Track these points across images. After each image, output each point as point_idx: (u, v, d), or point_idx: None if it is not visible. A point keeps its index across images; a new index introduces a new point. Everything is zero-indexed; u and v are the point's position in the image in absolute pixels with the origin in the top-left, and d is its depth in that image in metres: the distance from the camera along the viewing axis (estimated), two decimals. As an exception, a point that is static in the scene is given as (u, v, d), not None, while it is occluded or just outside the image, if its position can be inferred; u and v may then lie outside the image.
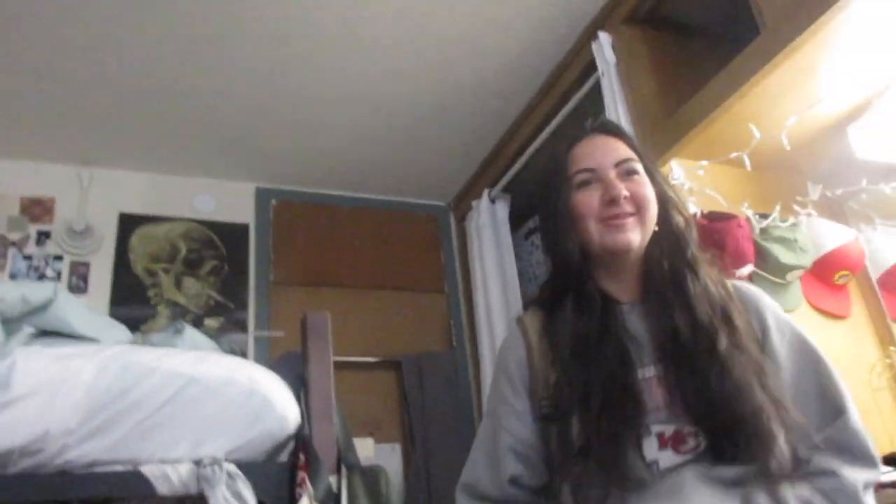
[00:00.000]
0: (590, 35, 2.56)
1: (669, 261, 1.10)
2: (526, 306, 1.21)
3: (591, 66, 2.53)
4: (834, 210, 2.39)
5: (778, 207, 2.22)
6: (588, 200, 1.09)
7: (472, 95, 3.02)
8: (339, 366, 3.11)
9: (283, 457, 1.65)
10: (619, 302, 1.10)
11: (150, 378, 1.45)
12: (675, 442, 0.98)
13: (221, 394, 1.51)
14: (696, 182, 2.22)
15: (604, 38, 2.45)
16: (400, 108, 3.08)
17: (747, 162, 2.08)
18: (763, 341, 1.08)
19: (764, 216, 2.22)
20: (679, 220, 1.13)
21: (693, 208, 2.18)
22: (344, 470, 1.57)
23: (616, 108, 2.34)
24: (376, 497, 1.57)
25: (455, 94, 3.00)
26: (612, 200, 1.07)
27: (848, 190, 2.32)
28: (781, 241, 2.17)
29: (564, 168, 1.14)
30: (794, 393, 1.04)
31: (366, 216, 3.74)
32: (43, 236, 3.06)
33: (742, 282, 1.19)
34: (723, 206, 2.19)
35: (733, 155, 2.11)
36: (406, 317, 3.55)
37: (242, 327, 3.18)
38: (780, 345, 1.08)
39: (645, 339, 1.06)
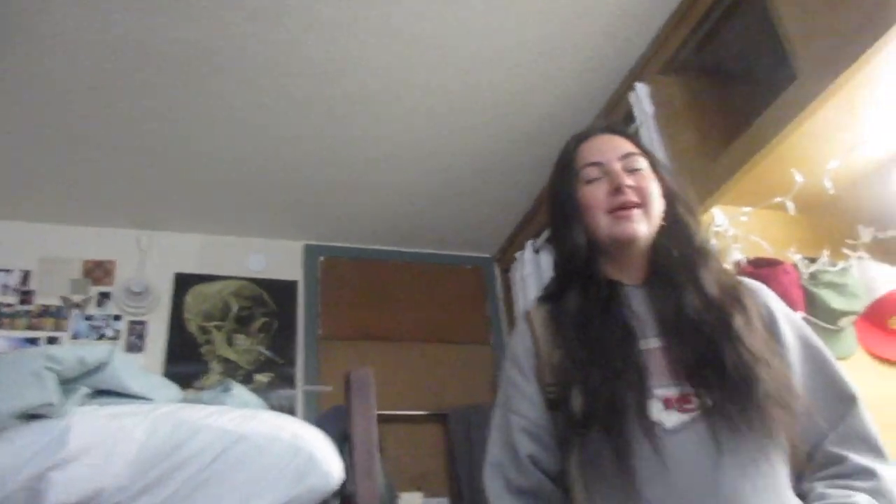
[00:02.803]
0: (627, 86, 2.59)
1: (679, 249, 1.11)
2: (534, 302, 1.22)
3: (630, 117, 2.55)
4: (888, 252, 2.33)
5: (826, 252, 2.18)
6: (595, 193, 1.12)
7: (514, 149, 3.07)
8: (386, 419, 3.15)
9: (329, 514, 1.66)
10: (623, 285, 1.11)
11: (199, 436, 1.49)
12: (679, 403, 0.98)
13: (268, 451, 1.54)
14: (740, 228, 2.20)
15: (641, 88, 2.48)
16: (443, 164, 3.15)
17: (790, 207, 2.05)
18: (773, 329, 1.08)
19: (812, 261, 2.18)
20: (686, 214, 1.15)
21: (738, 255, 2.16)
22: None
23: (655, 157, 2.35)
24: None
25: (497, 148, 3.06)
26: (617, 189, 1.10)
27: (900, 231, 2.26)
28: (832, 285, 2.12)
29: (572, 163, 1.17)
30: (804, 381, 1.05)
31: (411, 270, 3.79)
32: (103, 297, 3.19)
33: (745, 277, 1.19)
34: (768, 251, 2.16)
35: (777, 200, 2.09)
36: (452, 369, 3.55)
37: (291, 382, 3.23)
38: (789, 335, 1.09)
39: (648, 315, 1.07)
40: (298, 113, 2.75)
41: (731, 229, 2.19)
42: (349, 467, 1.66)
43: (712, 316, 1.02)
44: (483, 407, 3.35)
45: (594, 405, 0.98)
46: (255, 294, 3.41)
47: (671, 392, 0.99)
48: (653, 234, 1.12)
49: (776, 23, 1.98)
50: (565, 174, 1.18)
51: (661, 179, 1.17)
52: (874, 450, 1.02)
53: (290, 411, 3.13)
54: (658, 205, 1.13)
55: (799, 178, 2.00)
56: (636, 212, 1.10)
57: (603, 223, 1.10)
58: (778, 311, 1.12)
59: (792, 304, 2.02)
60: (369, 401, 1.78)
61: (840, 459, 1.00)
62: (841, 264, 2.19)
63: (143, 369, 1.78)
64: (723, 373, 0.97)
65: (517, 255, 3.49)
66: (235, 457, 1.51)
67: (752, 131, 2.03)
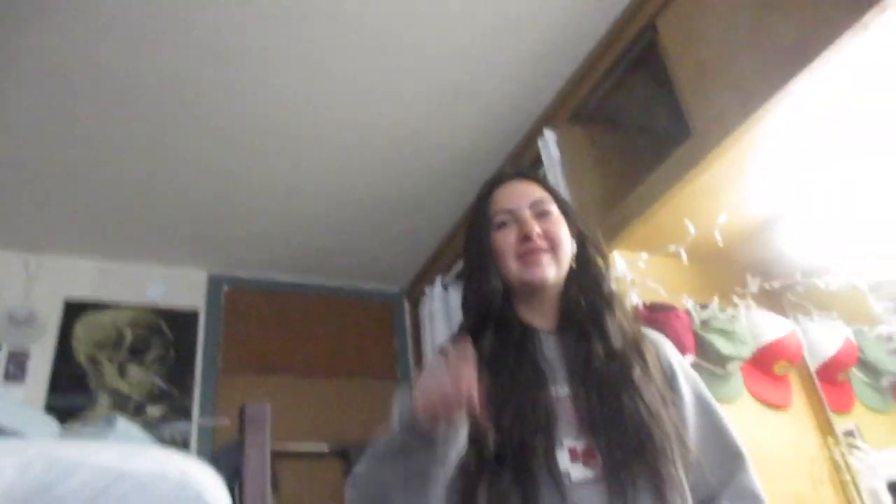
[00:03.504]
0: (536, 131, 2.67)
1: (586, 296, 1.16)
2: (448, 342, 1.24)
3: (538, 161, 2.62)
4: (773, 301, 2.47)
5: (717, 299, 2.29)
6: (506, 239, 1.17)
7: (425, 185, 3.10)
8: (287, 456, 3.08)
9: (216, 556, 1.58)
10: (537, 330, 1.15)
11: (76, 474, 1.39)
12: (585, 457, 1.01)
13: (152, 489, 1.46)
14: (637, 274, 2.29)
15: (549, 135, 2.56)
16: (354, 197, 3.14)
17: (684, 256, 2.15)
18: (671, 383, 1.15)
19: (704, 307, 2.29)
20: (596, 257, 1.21)
21: (635, 299, 2.24)
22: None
23: (560, 202, 2.42)
24: None
25: (408, 183, 3.08)
26: (525, 237, 1.15)
27: (784, 283, 2.41)
28: (721, 332, 2.22)
29: (486, 208, 1.22)
30: (697, 434, 1.11)
31: (319, 302, 3.73)
32: (-19, 324, 2.97)
33: (646, 328, 1.25)
34: (663, 296, 2.25)
35: (672, 248, 2.19)
36: (358, 404, 3.49)
37: (187, 415, 3.09)
38: (685, 389, 1.16)
39: (559, 362, 1.11)
40: (205, 137, 2.68)
41: (630, 274, 2.27)
42: (239, 506, 1.60)
43: (615, 368, 1.07)
44: (386, 444, 3.30)
45: (505, 446, 1.00)
46: (153, 323, 3.26)
47: (578, 444, 1.02)
48: (563, 277, 1.17)
49: (674, 80, 2.10)
50: (479, 219, 1.23)
51: (571, 223, 1.22)
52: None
53: (184, 445, 2.99)
54: (567, 248, 1.18)
55: (692, 229, 2.10)
56: (545, 256, 1.14)
57: (513, 268, 1.15)
58: (677, 365, 1.19)
59: (683, 349, 2.11)
60: (264, 436, 1.72)
61: None
62: (730, 311, 2.31)
63: (16, 401, 1.66)
64: (622, 428, 1.01)
65: (426, 289, 3.50)
66: (116, 496, 1.42)
67: (649, 184, 2.12)
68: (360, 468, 1.00)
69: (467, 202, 3.19)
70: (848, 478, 2.14)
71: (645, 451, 0.99)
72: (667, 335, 2.07)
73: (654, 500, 0.98)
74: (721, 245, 2.15)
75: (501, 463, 1.00)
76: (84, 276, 3.26)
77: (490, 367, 1.08)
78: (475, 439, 1.01)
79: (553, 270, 1.14)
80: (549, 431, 1.01)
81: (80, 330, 3.10)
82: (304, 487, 3.16)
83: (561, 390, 1.07)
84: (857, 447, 2.17)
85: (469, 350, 0.89)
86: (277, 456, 2.55)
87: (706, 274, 2.42)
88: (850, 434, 2.23)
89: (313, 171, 2.91)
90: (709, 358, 2.20)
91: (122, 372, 3.08)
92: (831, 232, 2.23)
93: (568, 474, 0.99)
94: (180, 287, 3.42)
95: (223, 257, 3.48)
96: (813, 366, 2.39)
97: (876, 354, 2.39)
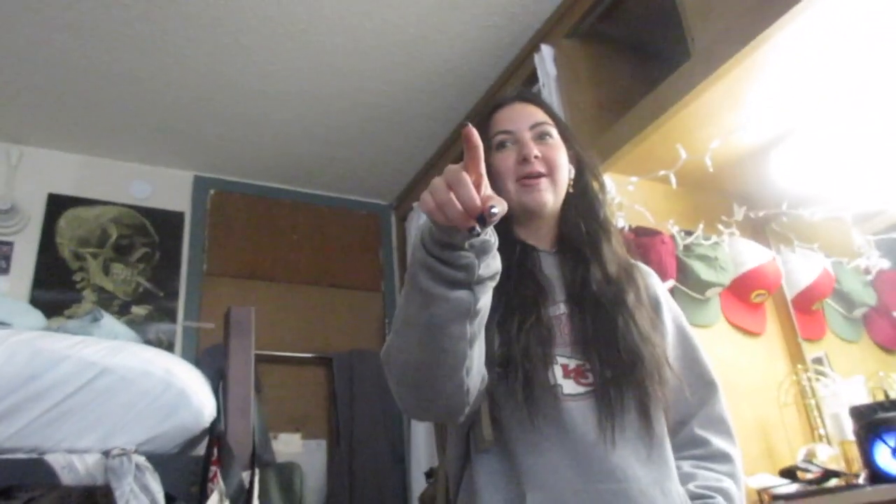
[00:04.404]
0: (533, 47, 2.61)
1: (585, 221, 1.19)
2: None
3: (534, 77, 2.57)
4: (756, 231, 2.50)
5: (702, 226, 2.31)
6: (505, 161, 1.17)
7: (417, 97, 3.04)
8: (270, 360, 3.14)
9: (199, 451, 1.64)
10: (536, 249, 1.18)
11: (60, 366, 1.42)
12: (576, 375, 1.06)
13: (136, 385, 1.50)
14: (626, 197, 2.29)
15: (546, 50, 2.50)
16: (344, 106, 3.08)
17: (673, 180, 2.15)
18: (657, 311, 1.21)
19: (689, 233, 2.31)
20: (593, 183, 1.23)
21: (622, 222, 2.25)
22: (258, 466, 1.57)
23: (554, 120, 2.39)
24: (289, 493, 1.58)
25: (400, 95, 3.02)
26: (524, 159, 1.15)
27: (770, 212, 2.42)
28: (703, 258, 2.25)
29: (486, 130, 1.20)
30: (675, 363, 1.16)
31: (306, 211, 3.71)
32: (-36, 213, 2.94)
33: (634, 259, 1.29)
34: (650, 221, 2.26)
35: (661, 173, 2.18)
36: (341, 314, 3.54)
37: (172, 317, 3.13)
38: (668, 319, 1.22)
39: (558, 281, 1.15)
40: (196, 33, 2.58)
41: (618, 197, 2.28)
42: (223, 406, 1.64)
43: (611, 291, 1.11)
44: (368, 353, 3.39)
45: (510, 351, 1.03)
46: (138, 223, 3.24)
47: (570, 362, 1.07)
48: (560, 201, 1.19)
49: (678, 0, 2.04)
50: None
51: (571, 148, 1.22)
52: (729, 434, 1.19)
53: (169, 347, 3.03)
54: (565, 173, 1.19)
55: (683, 154, 2.09)
56: (543, 181, 1.15)
57: (512, 190, 1.15)
58: (662, 296, 1.24)
59: (666, 273, 2.14)
60: (248, 339, 1.75)
61: (703, 442, 1.15)
62: (714, 238, 2.33)
63: (1, 294, 1.67)
64: (615, 348, 1.06)
65: (414, 204, 3.49)
66: (99, 389, 1.46)
67: (644, 105, 2.09)
68: (388, 339, 0.99)
69: (459, 117, 3.15)
70: (812, 402, 2.22)
71: (635, 370, 1.04)
72: (650, 259, 2.12)
73: (639, 415, 1.04)
74: (711, 171, 2.14)
75: (506, 365, 1.03)
76: (68, 171, 3.21)
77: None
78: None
79: (551, 195, 1.16)
80: (547, 345, 1.05)
81: (65, 224, 3.08)
82: (287, 391, 3.24)
83: (558, 309, 1.11)
84: (824, 374, 2.25)
85: (477, 141, 0.82)
86: (262, 359, 2.61)
87: (693, 201, 2.43)
88: (818, 361, 2.30)
89: (300, 71, 2.82)
90: (689, 283, 2.23)
91: (106, 270, 3.08)
92: (821, 161, 2.23)
93: (560, 387, 1.04)
94: (166, 188, 3.38)
95: (209, 160, 3.42)
96: (790, 295, 2.44)
97: (852, 286, 2.44)
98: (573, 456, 0.99)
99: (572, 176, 1.21)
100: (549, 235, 1.20)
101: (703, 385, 1.20)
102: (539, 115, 1.22)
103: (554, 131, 1.21)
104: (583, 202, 1.21)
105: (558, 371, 1.05)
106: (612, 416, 1.01)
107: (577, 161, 1.23)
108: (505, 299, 1.07)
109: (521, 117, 1.20)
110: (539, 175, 1.15)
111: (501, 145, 1.18)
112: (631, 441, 1.02)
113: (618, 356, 1.05)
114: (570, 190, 1.20)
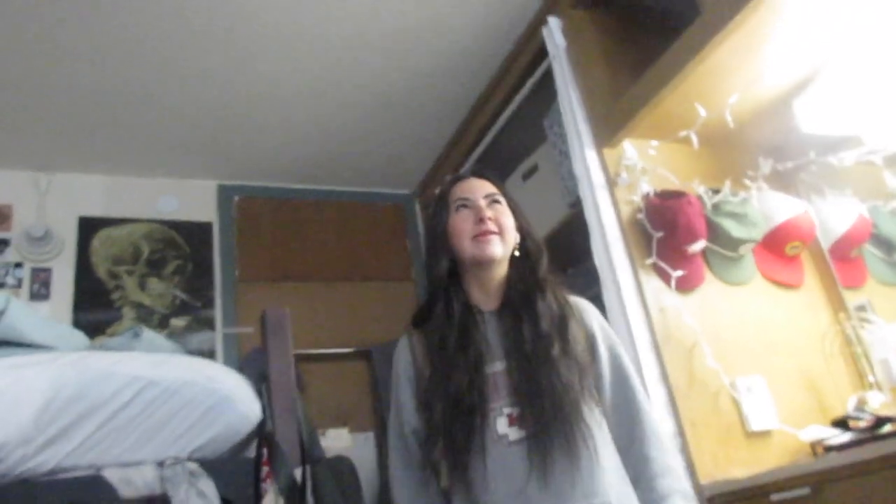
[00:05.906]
0: (540, 20, 2.57)
1: (524, 282, 1.39)
2: (412, 320, 1.50)
3: (544, 51, 2.55)
4: (785, 183, 2.45)
5: (728, 183, 2.27)
6: (463, 222, 1.40)
7: (428, 83, 3.03)
8: (310, 358, 3.17)
9: (250, 453, 1.66)
10: (482, 311, 1.38)
11: (107, 382, 1.45)
12: (519, 421, 1.26)
13: (180, 394, 1.52)
14: (648, 161, 2.26)
15: (553, 22, 2.47)
16: (358, 100, 3.08)
17: (695, 140, 2.12)
18: (592, 344, 1.38)
19: (716, 192, 2.27)
20: (534, 248, 1.43)
21: (646, 187, 2.23)
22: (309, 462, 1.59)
23: (568, 92, 2.36)
24: (341, 487, 1.60)
25: (412, 82, 3.01)
26: (480, 219, 1.39)
27: (797, 163, 2.37)
28: (732, 215, 2.22)
29: (447, 198, 1.45)
30: (610, 384, 1.35)
31: (330, 208, 3.74)
32: (1, 244, 3.02)
33: (575, 297, 1.45)
34: (674, 183, 2.24)
35: (682, 134, 2.15)
36: (375, 306, 3.56)
37: (210, 325, 3.18)
38: (602, 348, 1.38)
39: (497, 341, 1.34)
40: (205, 47, 2.62)
41: (640, 162, 2.25)
42: (268, 407, 1.66)
43: (540, 347, 1.29)
44: (405, 342, 3.39)
45: (449, 413, 1.26)
46: (167, 237, 3.29)
47: (514, 411, 1.27)
48: (507, 257, 1.40)
49: (683, -44, 2.00)
50: (441, 207, 1.46)
51: (516, 217, 1.44)
52: (666, 446, 1.33)
53: (211, 355, 3.08)
54: (513, 234, 1.41)
55: (702, 112, 2.06)
56: (494, 237, 1.37)
57: (467, 246, 1.38)
58: (597, 328, 1.41)
59: (695, 234, 2.11)
60: (286, 340, 1.77)
61: (646, 459, 1.29)
62: (741, 195, 2.29)
63: (44, 318, 1.71)
64: (540, 398, 1.24)
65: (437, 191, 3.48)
66: (147, 402, 1.49)
67: (658, 67, 2.06)
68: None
69: (472, 100, 3.14)
70: (859, 350, 2.18)
71: (557, 417, 1.22)
72: (678, 221, 2.09)
73: (565, 454, 1.21)
74: (732, 127, 2.11)
75: (447, 427, 1.26)
76: (96, 193, 3.28)
77: (438, 347, 1.35)
78: (428, 409, 1.30)
79: (500, 249, 1.37)
80: (483, 403, 1.26)
81: (98, 245, 3.14)
82: (330, 388, 3.28)
83: (499, 365, 1.31)
84: (868, 321, 2.20)
85: None
86: (302, 358, 2.63)
87: (717, 158, 2.40)
88: (861, 308, 2.26)
89: (311, 70, 2.83)
90: (721, 242, 2.20)
91: (142, 286, 3.14)
92: (847, 104, 2.17)
93: (506, 436, 1.25)
94: (192, 200, 3.43)
95: (231, 168, 3.46)
96: (826, 244, 2.39)
97: (890, 229, 2.37)
98: (517, 493, 1.20)
99: (518, 241, 1.42)
100: (496, 294, 1.40)
101: (634, 406, 1.34)
102: (491, 188, 1.44)
103: (503, 200, 1.44)
104: (525, 263, 1.41)
105: (503, 421, 1.26)
106: (543, 460, 1.20)
107: (521, 230, 1.44)
108: (447, 367, 1.30)
109: (477, 188, 1.44)
110: (491, 232, 1.37)
111: (461, 207, 1.41)
112: (558, 477, 1.20)
113: (542, 405, 1.23)
114: (516, 253, 1.42)
